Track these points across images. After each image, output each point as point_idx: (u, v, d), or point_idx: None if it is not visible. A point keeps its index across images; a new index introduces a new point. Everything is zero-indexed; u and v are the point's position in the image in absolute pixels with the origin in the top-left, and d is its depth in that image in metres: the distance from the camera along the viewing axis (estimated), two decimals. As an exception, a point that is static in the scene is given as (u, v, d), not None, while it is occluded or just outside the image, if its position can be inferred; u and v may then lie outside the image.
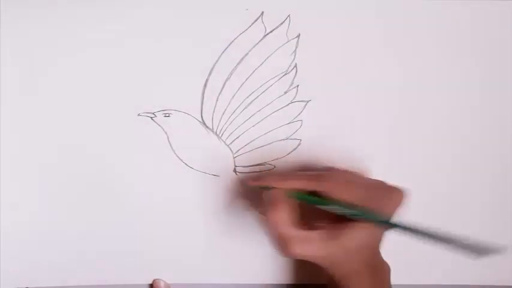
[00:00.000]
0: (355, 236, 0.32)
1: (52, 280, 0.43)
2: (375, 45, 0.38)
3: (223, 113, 0.39)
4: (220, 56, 0.38)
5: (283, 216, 0.33)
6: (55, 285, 0.43)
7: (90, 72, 0.38)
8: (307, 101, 0.39)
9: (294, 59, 0.39)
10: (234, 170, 0.41)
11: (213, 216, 0.42)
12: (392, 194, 0.33)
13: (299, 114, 0.40)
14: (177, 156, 0.40)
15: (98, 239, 0.42)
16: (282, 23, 0.38)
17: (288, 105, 0.39)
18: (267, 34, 0.38)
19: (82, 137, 0.40)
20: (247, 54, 0.38)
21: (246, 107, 0.39)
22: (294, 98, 0.39)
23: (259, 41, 0.38)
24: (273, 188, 0.34)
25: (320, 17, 0.38)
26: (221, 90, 0.39)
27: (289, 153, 0.40)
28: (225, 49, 0.38)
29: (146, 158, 0.40)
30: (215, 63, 0.38)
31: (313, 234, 0.32)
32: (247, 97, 0.39)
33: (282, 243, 0.33)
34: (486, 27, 0.38)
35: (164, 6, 0.37)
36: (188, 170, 0.40)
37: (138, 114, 0.39)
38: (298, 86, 0.39)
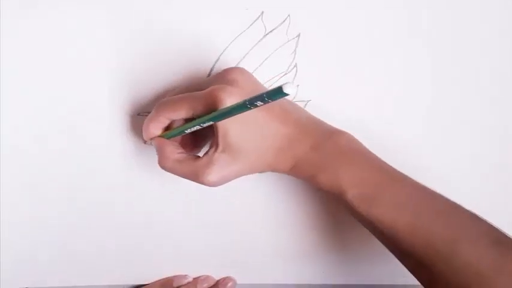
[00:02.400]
0: (232, 131, 0.32)
1: (52, 280, 0.43)
2: (375, 45, 0.38)
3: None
4: (220, 56, 0.38)
5: (171, 156, 0.33)
6: (55, 285, 0.43)
7: (90, 72, 0.38)
8: (307, 101, 0.39)
9: (294, 58, 0.39)
10: (234, 170, 0.41)
11: (213, 216, 0.42)
12: (212, 92, 0.32)
13: (299, 114, 0.40)
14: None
15: (98, 239, 0.42)
16: (282, 23, 0.38)
17: (288, 105, 0.39)
18: (267, 34, 0.38)
19: (82, 137, 0.40)
20: (247, 54, 0.38)
21: (246, 107, 0.39)
22: (294, 98, 0.39)
23: (259, 40, 0.38)
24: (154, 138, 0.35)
25: (320, 17, 0.38)
26: (221, 90, 0.39)
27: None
28: (225, 49, 0.38)
29: (146, 158, 0.40)
30: (215, 62, 0.38)
31: (211, 154, 0.32)
32: (247, 97, 0.39)
33: (195, 179, 0.33)
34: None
35: (164, 6, 0.37)
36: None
37: (138, 114, 0.39)
38: (298, 86, 0.39)
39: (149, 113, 0.39)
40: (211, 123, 0.31)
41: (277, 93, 0.24)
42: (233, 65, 0.38)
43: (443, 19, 0.38)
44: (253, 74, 0.38)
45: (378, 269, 0.41)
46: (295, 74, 0.39)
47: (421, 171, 0.40)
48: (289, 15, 0.38)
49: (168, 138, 0.35)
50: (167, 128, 0.35)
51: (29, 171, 0.40)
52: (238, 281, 0.43)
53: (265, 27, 0.38)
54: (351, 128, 0.39)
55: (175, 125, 0.35)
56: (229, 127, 0.31)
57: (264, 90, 0.30)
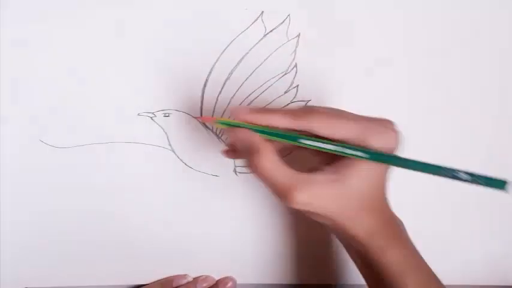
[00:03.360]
0: (363, 174, 0.28)
1: (52, 280, 0.43)
2: (375, 45, 0.38)
3: (223, 113, 0.39)
4: (220, 56, 0.38)
5: (273, 158, 0.28)
6: (55, 285, 0.43)
7: (90, 72, 0.38)
8: (307, 101, 0.39)
9: (294, 58, 0.38)
10: (234, 170, 0.41)
11: (213, 216, 0.42)
12: (387, 125, 0.29)
13: (299, 114, 0.40)
14: (177, 156, 0.40)
15: (98, 239, 0.42)
16: (282, 23, 0.38)
17: (288, 105, 0.39)
18: (267, 34, 0.38)
19: (82, 136, 0.40)
20: (247, 53, 0.38)
21: (246, 107, 0.39)
22: (294, 98, 0.39)
23: (259, 40, 0.38)
24: (244, 128, 0.30)
25: (320, 17, 0.38)
26: (221, 90, 0.39)
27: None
28: (225, 49, 0.38)
29: (146, 158, 0.40)
30: (215, 62, 0.38)
31: (317, 176, 0.28)
32: (247, 97, 0.39)
33: (283, 191, 0.28)
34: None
35: (164, 7, 0.37)
36: (188, 170, 0.40)
37: (138, 114, 0.39)
38: (298, 86, 0.39)
39: (149, 113, 0.39)
40: (338, 152, 0.28)
41: (498, 184, 0.25)
42: (233, 66, 0.38)
43: (443, 17, 0.38)
44: (253, 74, 0.38)
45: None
46: (295, 74, 0.39)
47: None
48: (289, 15, 0.38)
49: (280, 137, 0.30)
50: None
51: (29, 171, 0.40)
52: (238, 281, 0.43)
53: (265, 27, 0.38)
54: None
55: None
56: (364, 174, 0.28)
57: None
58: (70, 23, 0.37)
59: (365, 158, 0.28)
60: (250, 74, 0.39)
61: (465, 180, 0.27)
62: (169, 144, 0.40)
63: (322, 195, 0.28)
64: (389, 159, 0.28)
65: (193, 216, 0.42)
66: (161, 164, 0.40)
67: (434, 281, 0.32)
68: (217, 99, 0.39)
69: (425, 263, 0.32)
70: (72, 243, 0.42)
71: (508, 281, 0.43)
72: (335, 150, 0.28)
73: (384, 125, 0.29)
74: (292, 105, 0.39)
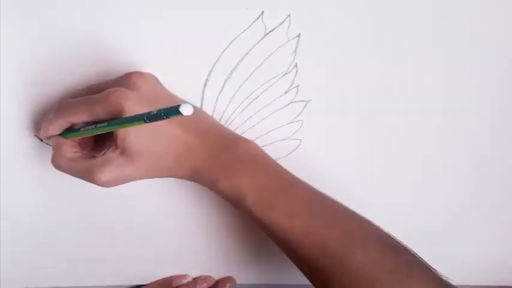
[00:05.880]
0: (134, 135, 0.32)
1: (52, 280, 0.43)
2: (375, 45, 0.38)
3: (223, 113, 0.39)
4: (220, 56, 0.38)
5: (67, 156, 0.34)
6: (55, 285, 0.43)
7: (90, 72, 0.38)
8: (307, 101, 0.39)
9: (294, 58, 0.38)
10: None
11: (213, 216, 0.42)
12: (107, 97, 0.32)
13: (299, 114, 0.40)
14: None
15: (98, 239, 0.42)
16: (282, 23, 0.38)
17: (288, 105, 0.39)
18: (267, 34, 0.38)
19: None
20: (247, 53, 0.38)
21: (246, 107, 0.39)
22: (294, 98, 0.39)
23: (259, 40, 0.38)
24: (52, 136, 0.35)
25: (320, 17, 0.38)
26: (221, 90, 0.39)
27: (289, 153, 0.40)
28: (225, 49, 0.38)
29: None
30: (215, 62, 0.38)
31: (108, 155, 0.32)
32: (247, 97, 0.39)
33: (87, 178, 0.33)
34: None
35: (164, 6, 0.37)
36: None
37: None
38: (298, 86, 0.39)
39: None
40: (109, 130, 0.31)
41: (174, 112, 0.25)
42: (233, 66, 0.38)
43: (445, 19, 0.38)
44: (253, 74, 0.38)
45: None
46: (295, 74, 0.39)
47: (421, 167, 0.41)
48: (289, 15, 0.38)
49: (66, 138, 0.35)
50: (67, 129, 0.35)
51: (29, 171, 0.40)
52: (238, 281, 0.43)
53: (265, 27, 0.38)
54: (350, 128, 0.39)
55: (76, 126, 0.35)
56: (129, 130, 0.32)
57: (166, 101, 0.33)
58: (71, 23, 0.37)
59: (109, 129, 0.31)
60: (251, 74, 0.38)
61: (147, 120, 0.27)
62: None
63: (119, 167, 0.32)
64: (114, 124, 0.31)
65: (193, 216, 0.42)
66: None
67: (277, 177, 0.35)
68: (217, 99, 0.39)
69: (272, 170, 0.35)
70: (72, 243, 0.42)
71: (508, 281, 0.43)
72: (93, 132, 0.32)
73: (105, 98, 0.32)
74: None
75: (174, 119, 0.28)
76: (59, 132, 0.35)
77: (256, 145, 0.36)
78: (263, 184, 0.34)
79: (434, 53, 0.39)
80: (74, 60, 0.37)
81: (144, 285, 0.43)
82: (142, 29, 0.38)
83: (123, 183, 0.33)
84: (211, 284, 0.43)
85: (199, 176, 0.35)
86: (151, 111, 0.27)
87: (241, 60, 0.38)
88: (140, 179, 0.34)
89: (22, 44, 0.37)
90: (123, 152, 0.32)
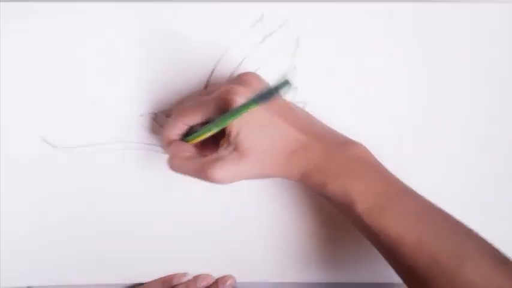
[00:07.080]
0: (250, 128, 0.32)
1: (52, 280, 0.43)
2: (374, 47, 0.39)
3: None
4: (220, 58, 0.38)
5: (183, 156, 0.34)
6: (55, 285, 0.43)
7: (91, 72, 0.38)
8: (306, 103, 0.40)
9: (293, 61, 0.39)
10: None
11: (213, 215, 0.42)
12: (223, 95, 0.33)
13: (298, 115, 0.40)
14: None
15: (98, 239, 0.42)
16: (281, 26, 0.38)
17: (287, 106, 0.40)
18: (267, 36, 0.38)
19: (84, 136, 0.40)
20: (247, 56, 0.39)
21: (246, 108, 0.40)
22: (294, 99, 0.39)
23: (259, 43, 0.38)
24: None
25: (319, 19, 0.38)
26: (222, 92, 0.39)
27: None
28: (225, 51, 0.38)
29: (146, 158, 0.40)
30: (215, 65, 0.38)
31: (220, 152, 0.33)
32: (247, 98, 0.39)
33: (202, 175, 0.33)
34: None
35: (165, 8, 0.38)
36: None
37: (140, 115, 0.39)
38: (297, 87, 0.39)
39: (150, 113, 0.39)
40: (224, 125, 0.32)
41: (283, 84, 0.27)
42: (233, 68, 0.39)
43: (444, 22, 0.39)
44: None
45: (377, 267, 0.41)
46: (295, 77, 0.39)
47: (421, 168, 0.41)
48: (288, 18, 0.38)
49: (187, 141, 0.35)
50: (187, 134, 0.36)
51: (30, 171, 0.40)
52: (238, 280, 0.43)
53: (265, 29, 0.38)
54: (349, 130, 0.39)
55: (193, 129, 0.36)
56: (242, 126, 0.32)
57: None
58: (72, 23, 0.38)
59: (223, 121, 0.32)
60: (251, 76, 0.39)
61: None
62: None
63: (233, 164, 0.32)
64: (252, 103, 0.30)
65: (193, 215, 0.42)
66: (162, 164, 0.40)
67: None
68: (217, 101, 0.39)
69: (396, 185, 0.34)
70: (72, 243, 0.42)
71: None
72: (210, 130, 0.33)
73: (222, 95, 0.32)
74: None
75: (286, 118, 0.30)
76: (179, 135, 0.36)
77: (366, 149, 0.35)
78: (375, 190, 0.33)
79: (434, 53, 0.39)
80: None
81: (144, 283, 0.43)
82: (144, 29, 0.38)
83: (237, 180, 0.33)
84: (211, 282, 0.43)
85: (309, 177, 0.34)
86: (261, 91, 0.28)
87: (241, 63, 0.39)
88: (253, 177, 0.34)
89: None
90: (236, 149, 0.32)
